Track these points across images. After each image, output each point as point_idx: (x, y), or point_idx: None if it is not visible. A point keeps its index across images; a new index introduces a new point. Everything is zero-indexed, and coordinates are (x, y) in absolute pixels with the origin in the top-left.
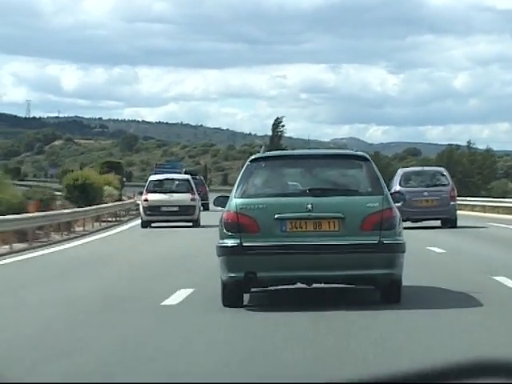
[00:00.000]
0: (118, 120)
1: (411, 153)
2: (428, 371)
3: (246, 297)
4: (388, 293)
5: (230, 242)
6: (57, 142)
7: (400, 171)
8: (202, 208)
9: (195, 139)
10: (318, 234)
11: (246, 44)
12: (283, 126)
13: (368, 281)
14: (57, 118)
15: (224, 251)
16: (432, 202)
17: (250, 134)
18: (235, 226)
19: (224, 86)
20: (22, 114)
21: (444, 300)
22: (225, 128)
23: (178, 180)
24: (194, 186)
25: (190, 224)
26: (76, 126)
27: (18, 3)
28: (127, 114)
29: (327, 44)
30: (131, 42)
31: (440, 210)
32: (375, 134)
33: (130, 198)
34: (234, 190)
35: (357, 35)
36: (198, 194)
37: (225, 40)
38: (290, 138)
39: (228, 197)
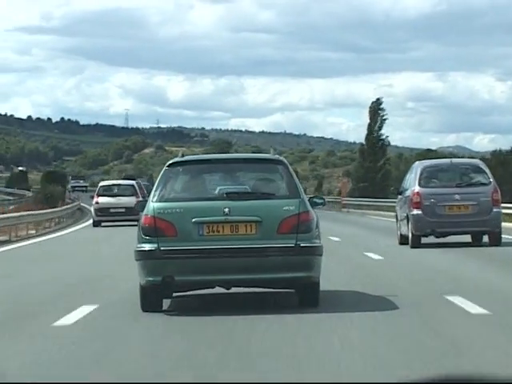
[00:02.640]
0: (221, 130)
1: None
2: None
3: (166, 303)
4: (306, 296)
5: (147, 246)
6: (147, 150)
7: (418, 165)
8: None
9: (298, 148)
10: (236, 237)
11: (352, 53)
12: (384, 110)
13: (286, 284)
14: (158, 128)
15: (142, 255)
16: (466, 208)
17: (354, 142)
18: (153, 229)
19: (329, 95)
20: (121, 124)
21: (361, 305)
22: (328, 137)
23: (124, 185)
24: (138, 190)
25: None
26: (175, 135)
27: (124, 15)
28: (233, 124)
29: (434, 52)
30: (237, 52)
31: (478, 219)
32: (482, 143)
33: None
34: (151, 195)
35: (464, 42)
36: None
37: (330, 49)
38: (397, 146)
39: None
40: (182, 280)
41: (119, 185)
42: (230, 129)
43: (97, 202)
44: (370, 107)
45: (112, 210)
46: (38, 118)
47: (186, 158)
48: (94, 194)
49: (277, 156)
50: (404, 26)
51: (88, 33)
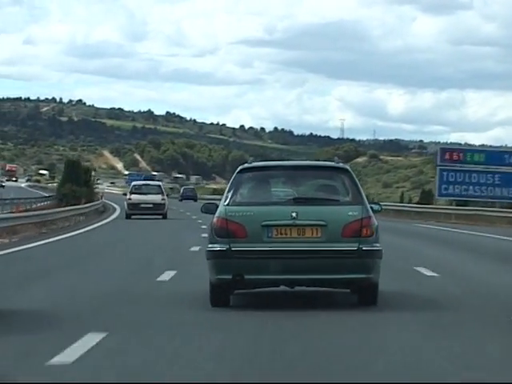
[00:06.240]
0: (439, 143)
1: None
2: None
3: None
4: (365, 296)
5: (218, 247)
6: (359, 159)
7: None
8: None
9: None
10: (302, 240)
11: None
12: None
13: (347, 284)
14: (374, 140)
15: (213, 255)
16: None
17: None
18: (224, 231)
19: None
20: (337, 136)
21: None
22: None
23: (153, 185)
24: (163, 189)
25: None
26: (392, 146)
27: (346, 27)
28: (452, 138)
29: None
30: (459, 65)
31: None
32: None
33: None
34: (223, 198)
35: None
36: None
37: None
38: None
39: (213, 204)
40: (251, 278)
41: (148, 185)
42: (448, 142)
43: (129, 199)
44: None
45: (142, 206)
46: (251, 128)
47: (256, 163)
48: (128, 192)
49: (341, 164)
50: None
51: (309, 45)
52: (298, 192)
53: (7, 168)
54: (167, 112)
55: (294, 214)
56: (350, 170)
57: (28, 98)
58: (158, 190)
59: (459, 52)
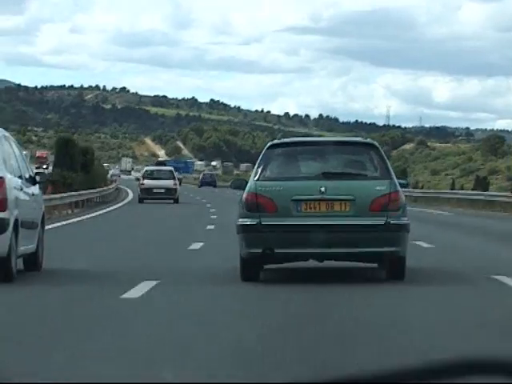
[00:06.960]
0: (486, 130)
1: None
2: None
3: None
4: (393, 270)
5: (249, 221)
6: (407, 146)
7: None
8: None
9: None
10: (331, 214)
11: None
12: None
13: (375, 258)
14: (421, 127)
15: (244, 229)
16: None
17: None
18: (254, 205)
19: None
20: (383, 123)
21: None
22: None
23: (164, 170)
24: (175, 174)
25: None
26: (439, 133)
27: (392, 15)
28: (499, 125)
29: None
30: (505, 52)
31: None
32: None
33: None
34: (253, 174)
35: None
36: None
37: None
38: None
39: (242, 180)
40: (281, 252)
41: (160, 170)
42: (495, 129)
43: (142, 184)
44: None
45: (154, 191)
46: (296, 115)
47: (285, 140)
48: (141, 177)
49: (369, 139)
50: None
51: (355, 33)
52: (326, 167)
53: (37, 155)
54: (211, 99)
55: (322, 189)
56: (377, 145)
57: (71, 86)
58: (170, 176)
59: (506, 39)
